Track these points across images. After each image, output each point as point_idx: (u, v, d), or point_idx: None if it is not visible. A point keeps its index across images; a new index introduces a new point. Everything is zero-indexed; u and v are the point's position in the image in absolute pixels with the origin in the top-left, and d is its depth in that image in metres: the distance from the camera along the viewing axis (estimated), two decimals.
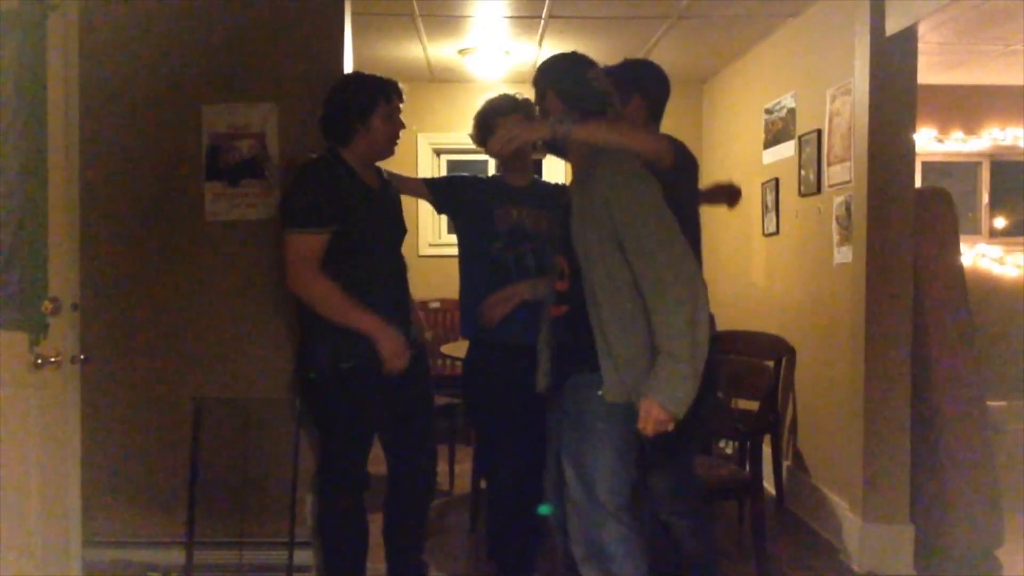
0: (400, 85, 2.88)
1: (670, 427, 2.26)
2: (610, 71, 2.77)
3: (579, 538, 2.40)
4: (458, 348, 4.34)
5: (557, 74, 2.51)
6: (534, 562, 3.10)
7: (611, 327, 2.31)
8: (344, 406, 2.82)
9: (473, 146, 3.18)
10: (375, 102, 2.79)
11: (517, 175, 3.10)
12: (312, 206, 2.70)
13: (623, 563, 2.35)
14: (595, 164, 2.40)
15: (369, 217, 2.82)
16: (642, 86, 2.83)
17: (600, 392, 2.32)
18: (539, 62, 5.69)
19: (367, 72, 2.92)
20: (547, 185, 3.27)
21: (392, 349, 2.72)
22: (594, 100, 2.46)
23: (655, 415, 2.23)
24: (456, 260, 3.16)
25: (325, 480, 2.91)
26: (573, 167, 2.58)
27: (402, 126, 2.88)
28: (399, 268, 2.97)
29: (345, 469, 2.88)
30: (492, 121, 3.00)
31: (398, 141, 2.91)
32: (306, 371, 2.84)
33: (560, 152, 2.55)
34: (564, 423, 2.45)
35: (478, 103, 3.15)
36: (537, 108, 2.60)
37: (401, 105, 2.88)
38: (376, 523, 3.02)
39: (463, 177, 3.31)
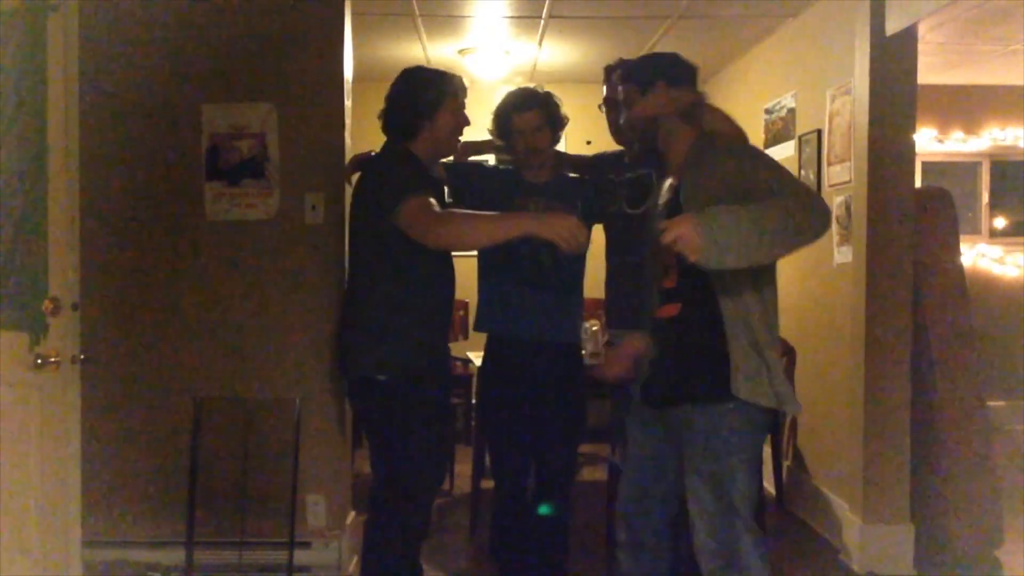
0: (464, 80, 2.83)
1: (689, 255, 2.09)
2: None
3: (710, 550, 2.30)
4: (457, 348, 4.32)
5: (672, 70, 2.47)
6: (555, 561, 3.09)
7: (757, 321, 2.25)
8: (419, 407, 2.70)
9: (473, 145, 3.16)
10: (443, 97, 2.74)
11: (534, 171, 3.03)
12: (410, 176, 2.65)
13: (759, 572, 2.28)
14: (712, 157, 2.31)
15: None
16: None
17: (740, 396, 2.23)
18: (539, 62, 5.68)
19: (433, 67, 2.87)
20: (567, 179, 3.15)
21: (567, 230, 2.38)
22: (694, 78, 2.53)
23: (685, 228, 2.08)
24: (455, 259, 3.13)
25: (396, 488, 2.72)
26: (675, 157, 2.43)
27: (466, 122, 2.82)
28: (452, 266, 2.90)
29: (427, 475, 2.74)
30: (510, 119, 2.95)
31: (461, 137, 2.86)
32: (373, 374, 2.69)
33: (645, 139, 2.48)
34: (690, 436, 2.31)
35: (496, 99, 3.07)
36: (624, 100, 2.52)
37: (465, 100, 2.82)
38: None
39: (481, 167, 3.25)
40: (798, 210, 2.14)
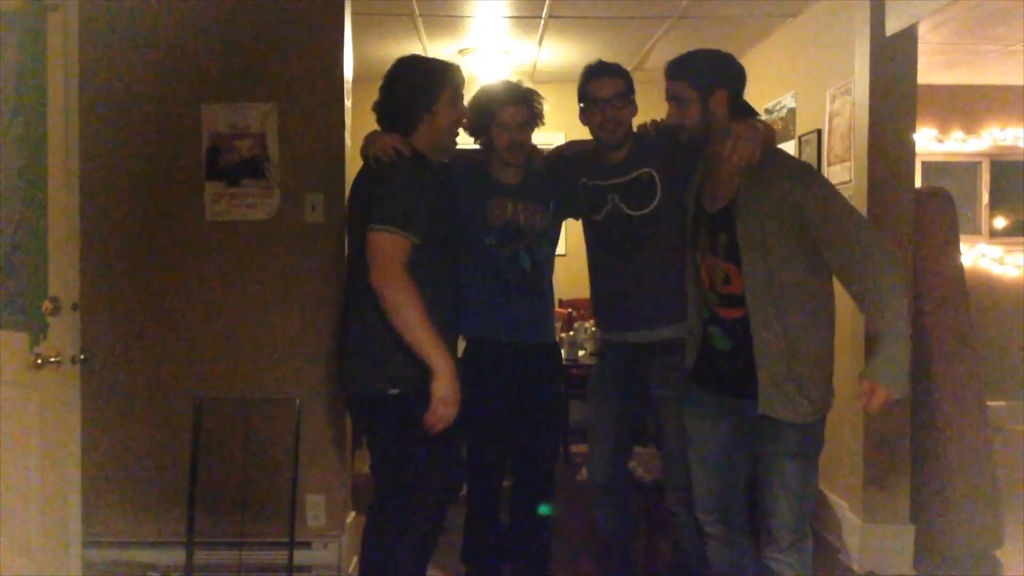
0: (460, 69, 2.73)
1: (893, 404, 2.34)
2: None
3: (788, 528, 2.45)
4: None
5: (734, 76, 2.50)
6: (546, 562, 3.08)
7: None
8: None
9: (473, 144, 3.10)
10: (441, 88, 2.62)
11: (509, 171, 2.94)
12: (410, 211, 2.49)
13: (810, 550, 2.53)
14: (767, 177, 2.38)
15: (449, 215, 2.71)
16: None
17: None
18: (539, 62, 5.67)
19: (425, 56, 2.77)
20: (537, 179, 3.03)
21: (449, 393, 2.47)
22: (747, 108, 2.52)
23: (882, 396, 2.28)
24: None
25: (404, 500, 2.62)
26: (728, 170, 2.46)
27: (465, 115, 2.75)
28: (456, 268, 2.84)
29: (433, 483, 2.66)
30: (494, 113, 2.85)
31: (458, 132, 2.77)
32: (383, 388, 2.54)
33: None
34: (784, 426, 2.42)
35: (474, 90, 2.97)
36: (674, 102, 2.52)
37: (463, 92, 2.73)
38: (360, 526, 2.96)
39: (453, 165, 3.03)
40: (901, 280, 2.30)
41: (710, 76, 2.46)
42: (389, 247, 2.45)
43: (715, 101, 2.44)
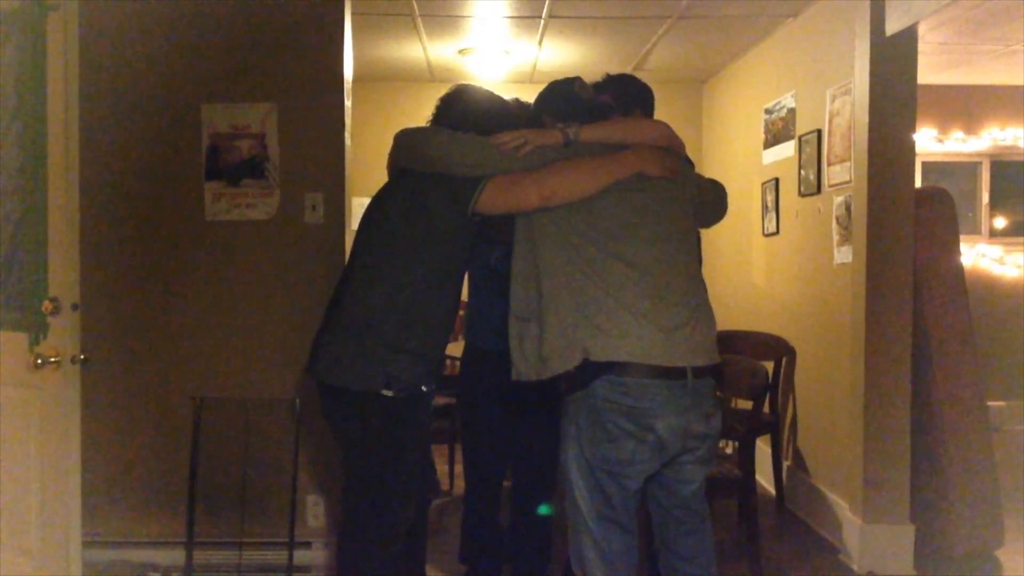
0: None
1: None
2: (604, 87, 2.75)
3: None
4: (458, 348, 4.33)
5: (545, 99, 2.59)
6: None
7: None
8: (417, 428, 2.58)
9: None
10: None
11: None
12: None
13: None
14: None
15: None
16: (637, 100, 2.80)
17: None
18: (539, 62, 5.70)
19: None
20: None
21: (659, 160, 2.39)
22: (584, 110, 2.51)
23: None
24: None
25: (386, 517, 2.51)
26: None
27: None
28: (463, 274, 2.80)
29: (412, 498, 2.58)
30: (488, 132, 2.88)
31: None
32: (377, 386, 2.45)
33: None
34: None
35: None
36: None
37: None
38: None
39: None
40: None
41: (534, 109, 2.61)
42: (501, 184, 2.40)
43: (546, 127, 2.50)
